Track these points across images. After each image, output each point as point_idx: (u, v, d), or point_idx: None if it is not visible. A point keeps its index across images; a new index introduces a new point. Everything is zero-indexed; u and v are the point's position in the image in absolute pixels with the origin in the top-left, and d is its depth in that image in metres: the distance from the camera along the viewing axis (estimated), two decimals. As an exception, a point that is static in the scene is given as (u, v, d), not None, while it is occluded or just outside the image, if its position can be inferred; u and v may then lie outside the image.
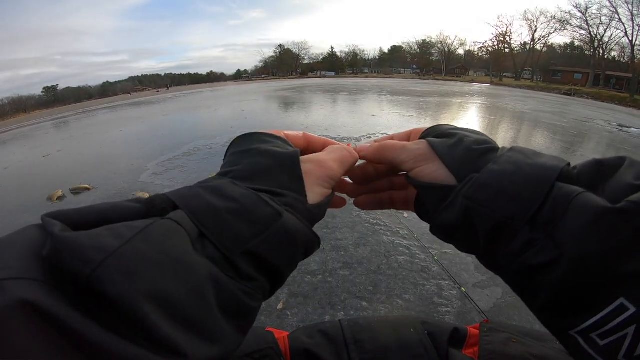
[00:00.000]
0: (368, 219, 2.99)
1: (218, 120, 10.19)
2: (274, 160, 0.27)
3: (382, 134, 6.55)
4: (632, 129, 8.72)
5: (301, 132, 0.34)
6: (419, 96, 15.34)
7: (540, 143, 6.28)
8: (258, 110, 12.04)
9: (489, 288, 2.05)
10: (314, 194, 0.27)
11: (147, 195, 0.22)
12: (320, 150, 0.32)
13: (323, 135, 0.35)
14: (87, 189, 4.17)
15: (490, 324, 0.45)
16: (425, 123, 8.14)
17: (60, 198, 3.90)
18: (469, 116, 10.05)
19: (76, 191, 4.11)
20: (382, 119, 8.79)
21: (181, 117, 11.93)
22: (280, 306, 1.97)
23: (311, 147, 0.33)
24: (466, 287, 2.06)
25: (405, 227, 2.82)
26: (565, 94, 23.64)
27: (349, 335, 0.44)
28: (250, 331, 0.45)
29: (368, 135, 6.34)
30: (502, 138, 6.79)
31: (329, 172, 0.29)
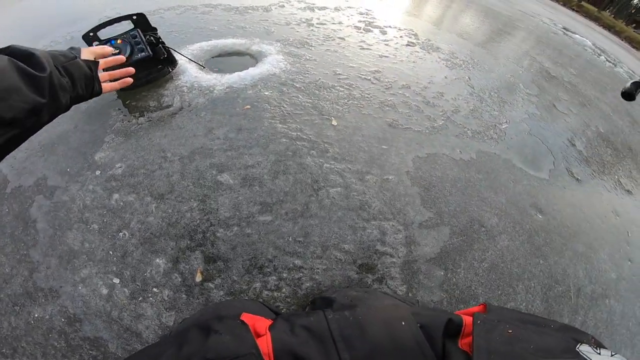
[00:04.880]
0: (286, 130, 2.21)
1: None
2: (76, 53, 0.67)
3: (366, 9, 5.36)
4: (576, 35, 8.62)
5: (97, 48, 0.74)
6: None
7: (486, 33, 5.79)
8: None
9: (436, 228, 1.77)
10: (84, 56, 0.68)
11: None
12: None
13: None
14: None
15: (485, 313, 0.44)
16: None
17: None
18: None
19: None
20: None
21: (29, 3, 8.59)
22: (198, 278, 1.45)
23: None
24: (412, 227, 1.74)
25: (335, 141, 2.18)
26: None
27: (337, 332, 0.43)
28: (230, 332, 0.45)
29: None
30: (443, 26, 6.13)
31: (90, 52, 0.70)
